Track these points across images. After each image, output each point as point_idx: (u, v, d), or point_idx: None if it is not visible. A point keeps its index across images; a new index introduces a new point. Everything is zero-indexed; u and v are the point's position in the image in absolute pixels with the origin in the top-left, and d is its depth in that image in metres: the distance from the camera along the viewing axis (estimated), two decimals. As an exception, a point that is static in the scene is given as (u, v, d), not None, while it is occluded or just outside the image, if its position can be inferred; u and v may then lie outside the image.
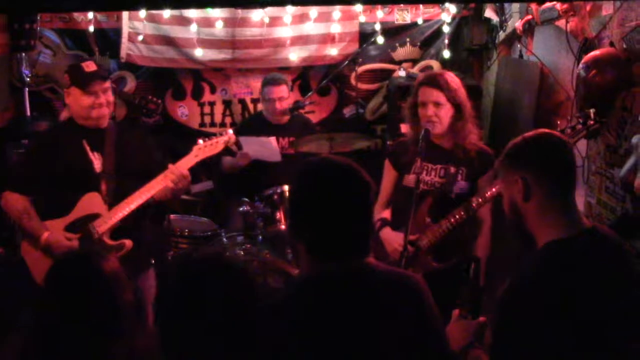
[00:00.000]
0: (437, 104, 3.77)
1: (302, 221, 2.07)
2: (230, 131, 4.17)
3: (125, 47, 6.08)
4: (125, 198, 3.79)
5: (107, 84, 3.85)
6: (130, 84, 6.35)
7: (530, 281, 2.15)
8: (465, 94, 3.86)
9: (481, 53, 6.35)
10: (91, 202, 3.79)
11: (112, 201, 3.81)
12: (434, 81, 3.82)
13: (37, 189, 3.81)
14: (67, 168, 3.77)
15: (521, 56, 5.35)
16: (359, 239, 2.08)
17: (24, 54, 5.68)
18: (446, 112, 3.79)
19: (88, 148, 3.82)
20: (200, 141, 4.00)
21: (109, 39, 6.17)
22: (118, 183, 3.83)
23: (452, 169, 3.80)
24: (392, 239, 3.81)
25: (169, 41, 6.14)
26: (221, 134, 4.08)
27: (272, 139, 5.34)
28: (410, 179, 3.81)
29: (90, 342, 2.05)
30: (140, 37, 6.05)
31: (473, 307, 2.48)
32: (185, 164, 3.91)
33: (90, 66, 3.82)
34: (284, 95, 5.46)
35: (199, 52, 6.13)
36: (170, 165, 3.88)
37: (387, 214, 4.02)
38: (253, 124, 5.75)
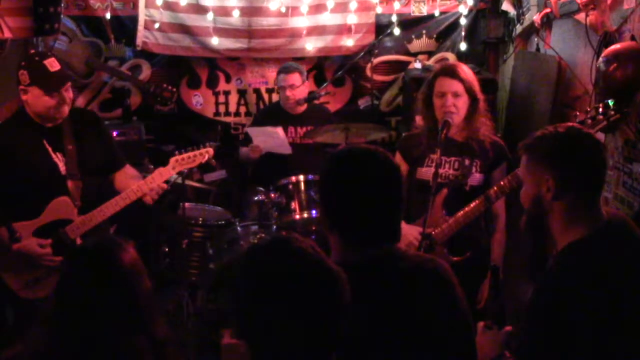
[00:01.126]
0: (455, 95, 3.75)
1: (337, 210, 2.07)
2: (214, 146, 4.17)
3: (141, 35, 6.07)
4: (94, 201, 3.77)
5: (69, 83, 3.72)
6: (146, 72, 6.34)
7: (559, 287, 2.13)
8: (479, 87, 3.85)
9: (497, 46, 6.31)
10: (61, 206, 3.73)
11: (81, 204, 3.77)
12: (452, 72, 3.80)
13: None
14: (31, 171, 3.67)
15: (538, 50, 5.32)
16: (392, 225, 2.09)
17: (40, 40, 5.68)
18: (464, 103, 3.77)
19: (50, 149, 3.73)
20: (177, 153, 4.00)
21: (125, 27, 6.17)
22: (84, 183, 3.78)
23: (467, 161, 3.79)
24: (407, 232, 3.77)
25: (185, 29, 6.13)
26: (199, 148, 4.05)
27: (279, 129, 5.36)
28: (426, 172, 3.80)
29: (111, 335, 2.02)
30: (157, 25, 6.04)
31: (497, 316, 2.46)
32: (162, 176, 3.90)
33: (54, 65, 3.60)
34: (296, 83, 5.47)
35: (214, 41, 6.12)
36: (148, 178, 3.85)
37: None
38: (270, 113, 5.79)
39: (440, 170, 3.78)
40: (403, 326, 1.98)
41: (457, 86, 3.76)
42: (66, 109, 3.69)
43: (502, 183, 3.57)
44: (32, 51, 3.67)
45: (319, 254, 1.74)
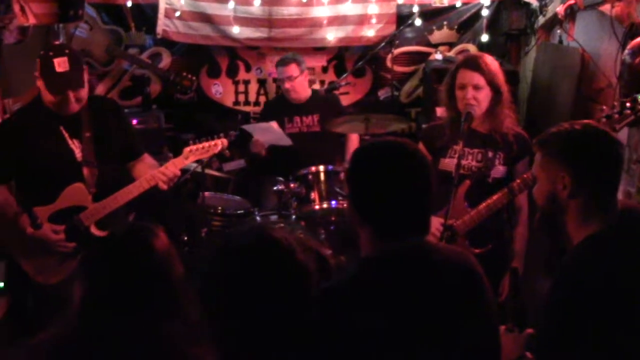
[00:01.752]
0: (476, 87, 3.72)
1: (368, 204, 2.07)
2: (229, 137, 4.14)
3: (162, 23, 6.07)
4: (110, 190, 3.75)
5: (79, 89, 3.62)
6: (166, 60, 6.35)
7: (575, 282, 2.11)
8: (504, 78, 3.81)
9: (519, 38, 6.26)
10: (76, 193, 3.72)
11: (96, 191, 3.76)
12: (474, 64, 3.76)
13: (12, 176, 3.71)
14: (47, 157, 3.66)
15: (561, 42, 5.27)
16: (423, 218, 2.09)
17: (61, 27, 5.69)
18: (485, 96, 3.73)
19: (67, 135, 3.71)
20: (191, 143, 3.98)
21: (145, 15, 6.17)
22: (100, 171, 3.77)
23: (490, 153, 3.76)
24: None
25: (205, 18, 6.12)
26: (213, 138, 4.04)
27: (273, 123, 5.38)
28: (448, 163, 3.77)
29: (146, 321, 2.01)
30: (177, 13, 6.04)
31: (518, 318, 2.44)
32: (175, 166, 3.87)
33: (62, 65, 3.52)
34: (293, 74, 5.45)
35: (235, 30, 6.12)
36: (162, 168, 3.84)
37: None
38: (275, 104, 5.82)
39: (463, 162, 3.75)
40: (435, 318, 1.97)
41: (478, 79, 3.72)
42: (74, 106, 3.64)
43: (525, 176, 3.54)
44: (56, 43, 3.63)
45: (292, 246, 1.84)
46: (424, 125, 5.74)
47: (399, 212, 2.03)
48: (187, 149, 3.96)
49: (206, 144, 3.98)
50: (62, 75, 3.52)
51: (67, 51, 3.57)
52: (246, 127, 5.48)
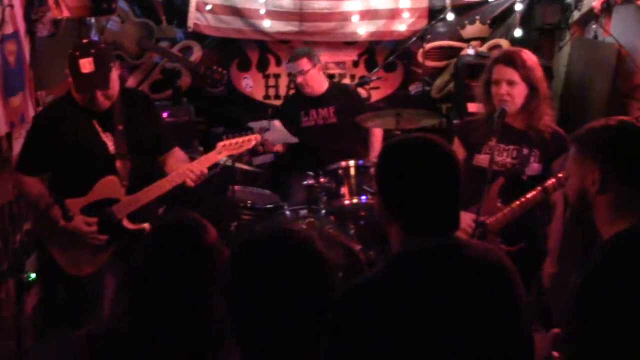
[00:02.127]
0: (510, 83, 3.67)
1: (398, 200, 2.05)
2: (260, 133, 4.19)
3: (193, 17, 6.08)
4: (143, 183, 3.77)
5: (105, 90, 3.63)
6: (196, 54, 6.36)
7: (603, 279, 2.08)
8: (542, 74, 3.75)
9: (553, 33, 6.17)
10: (109, 186, 3.73)
11: (129, 184, 3.77)
12: (509, 59, 3.71)
13: (46, 169, 3.74)
14: (81, 150, 3.68)
15: (596, 37, 5.20)
16: (453, 213, 2.08)
17: (93, 20, 5.73)
18: (520, 92, 3.68)
19: (100, 129, 3.73)
20: (225, 138, 3.99)
21: (176, 8, 6.17)
22: (132, 164, 3.78)
23: (525, 150, 3.71)
24: (461, 218, 3.73)
25: (236, 11, 6.12)
26: (247, 133, 4.05)
27: (276, 121, 5.40)
28: (483, 159, 3.73)
29: (199, 313, 2.01)
30: (208, 7, 6.04)
31: (543, 319, 2.41)
32: (208, 161, 3.90)
33: (87, 66, 3.52)
34: (304, 68, 5.42)
35: (266, 24, 6.11)
36: (194, 162, 3.85)
37: None
38: (292, 99, 5.81)
39: (498, 158, 3.71)
40: (466, 314, 1.94)
41: (512, 74, 3.67)
42: (103, 104, 3.66)
43: (560, 175, 3.49)
44: (85, 41, 3.65)
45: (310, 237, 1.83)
46: (455, 121, 5.72)
47: (427, 207, 2.02)
48: (220, 144, 3.96)
49: (239, 139, 3.99)
50: (87, 76, 3.54)
51: (93, 51, 3.57)
52: (251, 124, 5.47)
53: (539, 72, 3.71)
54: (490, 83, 3.76)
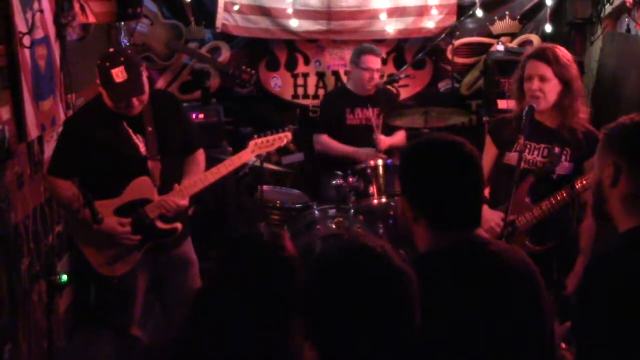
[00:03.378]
0: (542, 79, 3.62)
1: (423, 198, 2.09)
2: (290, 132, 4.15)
3: (221, 17, 6.11)
4: (173, 182, 3.80)
5: (141, 95, 3.65)
6: (225, 54, 6.38)
7: (607, 268, 2.05)
8: (576, 71, 3.68)
9: (584, 27, 6.08)
10: (141, 186, 3.76)
11: (161, 184, 3.80)
12: (542, 55, 3.66)
13: (79, 171, 3.73)
14: (113, 153, 3.70)
15: (629, 31, 5.11)
16: (476, 210, 2.13)
17: (122, 23, 5.77)
18: (552, 88, 3.63)
19: (131, 131, 3.75)
20: (256, 137, 4.02)
21: (205, 9, 6.21)
22: (163, 164, 3.81)
23: (557, 149, 3.66)
24: (490, 217, 3.71)
25: (264, 11, 6.13)
26: (277, 132, 4.06)
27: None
28: (513, 157, 3.69)
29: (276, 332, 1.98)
30: (236, 7, 6.06)
31: (558, 312, 2.40)
32: (241, 159, 3.94)
33: (120, 75, 3.52)
34: (380, 66, 5.45)
35: (294, 23, 6.11)
36: (227, 161, 3.89)
37: (485, 191, 3.92)
38: (338, 96, 5.74)
39: (528, 157, 3.69)
40: (494, 310, 1.98)
41: (545, 70, 3.62)
42: (138, 107, 3.70)
43: (582, 178, 3.46)
44: (111, 50, 3.67)
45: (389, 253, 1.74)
46: (485, 118, 5.67)
47: (452, 204, 2.06)
48: (252, 142, 3.99)
49: (271, 137, 4.02)
50: (122, 85, 3.55)
51: (122, 59, 3.57)
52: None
53: (573, 69, 3.65)
54: (523, 79, 3.71)
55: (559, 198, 3.53)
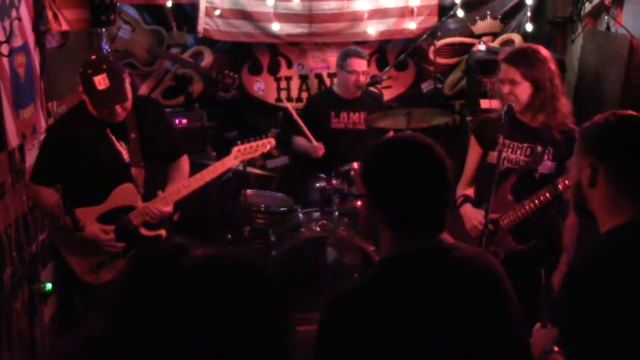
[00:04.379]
0: (512, 82, 3.63)
1: (389, 200, 2.04)
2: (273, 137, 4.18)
3: (202, 22, 6.10)
4: (157, 189, 3.81)
5: (124, 102, 3.66)
6: (207, 59, 6.37)
7: (589, 268, 2.05)
8: (551, 70, 3.67)
9: (565, 26, 6.12)
10: (125, 193, 3.76)
11: (144, 191, 3.80)
12: (511, 58, 3.67)
13: (62, 179, 3.69)
14: (96, 160, 3.70)
15: (608, 29, 5.14)
16: (442, 215, 2.07)
17: (104, 30, 5.75)
18: (522, 91, 3.63)
19: (114, 138, 3.75)
20: (240, 143, 4.04)
21: (186, 14, 6.19)
22: (147, 171, 3.81)
23: (539, 149, 3.67)
24: (472, 215, 3.74)
25: (245, 15, 6.12)
26: (261, 138, 4.08)
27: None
28: (495, 156, 3.70)
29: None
30: (218, 12, 6.06)
31: (551, 314, 2.39)
32: (224, 166, 3.94)
33: (102, 82, 3.52)
34: (366, 69, 5.45)
35: (275, 27, 6.11)
36: (210, 168, 3.89)
37: (470, 191, 3.94)
38: (323, 98, 5.71)
39: (512, 156, 3.71)
40: (458, 316, 1.96)
41: (514, 73, 3.62)
42: (122, 114, 3.69)
43: (564, 176, 3.47)
44: (93, 57, 3.67)
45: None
46: (468, 118, 5.69)
47: (417, 209, 2.02)
48: (235, 149, 4.00)
49: (254, 144, 4.04)
50: (105, 93, 3.54)
51: (104, 66, 3.56)
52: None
53: (545, 69, 3.64)
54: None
55: (542, 198, 3.55)
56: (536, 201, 3.56)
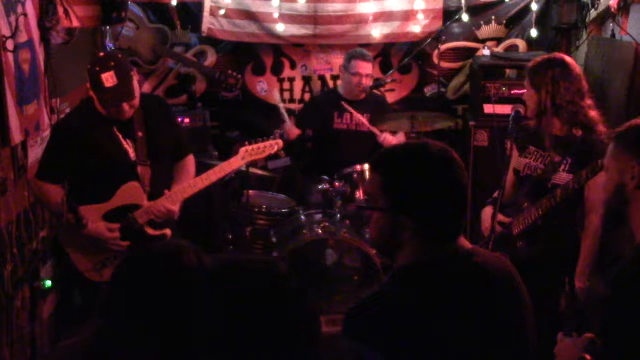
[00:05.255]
0: (526, 88, 3.70)
1: (415, 207, 2.01)
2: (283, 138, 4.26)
3: (207, 21, 6.08)
4: (163, 188, 3.81)
5: (132, 100, 3.66)
6: (211, 58, 6.35)
7: (632, 276, 2.05)
8: (554, 77, 3.65)
9: (570, 32, 6.10)
10: (131, 191, 3.76)
11: (150, 189, 3.80)
12: (529, 66, 3.72)
13: (68, 176, 3.75)
14: (103, 157, 3.70)
15: (613, 36, 5.13)
16: (461, 220, 2.07)
17: (108, 27, 5.74)
18: (529, 97, 3.68)
19: (120, 136, 3.74)
20: (247, 144, 4.05)
21: (190, 13, 6.18)
22: (153, 170, 3.81)
23: (557, 158, 3.65)
24: (489, 217, 3.74)
25: (250, 15, 6.11)
26: (268, 139, 4.10)
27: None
28: (520, 162, 3.78)
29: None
30: (222, 11, 6.04)
31: (576, 323, 2.38)
32: (231, 166, 3.97)
33: (109, 80, 3.52)
34: (370, 72, 5.44)
35: (280, 27, 6.09)
36: (217, 168, 3.91)
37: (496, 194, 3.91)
38: (327, 99, 5.71)
39: (532, 163, 3.74)
40: (481, 321, 1.96)
41: (526, 80, 3.71)
42: (129, 112, 3.69)
43: (567, 183, 3.47)
44: (102, 54, 3.66)
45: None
46: (471, 123, 5.66)
47: (442, 215, 2.01)
48: (243, 149, 4.00)
49: (262, 145, 4.04)
50: (112, 90, 3.54)
51: (112, 63, 3.56)
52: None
53: (548, 76, 3.62)
54: None
55: (543, 207, 3.55)
56: (540, 211, 3.56)
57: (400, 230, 2.01)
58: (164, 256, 1.87)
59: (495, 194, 3.86)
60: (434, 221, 2.00)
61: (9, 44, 3.76)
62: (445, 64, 6.35)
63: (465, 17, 6.06)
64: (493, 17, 6.27)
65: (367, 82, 5.42)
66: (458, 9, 6.08)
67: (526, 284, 2.14)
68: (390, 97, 6.38)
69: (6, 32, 3.74)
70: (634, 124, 2.25)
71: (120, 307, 1.81)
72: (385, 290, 2.03)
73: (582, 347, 2.27)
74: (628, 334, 2.04)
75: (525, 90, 3.76)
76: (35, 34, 4.21)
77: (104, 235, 3.71)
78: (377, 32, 6.16)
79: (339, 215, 4.81)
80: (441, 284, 1.97)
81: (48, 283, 4.15)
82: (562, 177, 3.63)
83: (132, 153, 3.76)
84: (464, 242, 2.07)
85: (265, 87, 6.48)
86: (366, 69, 5.39)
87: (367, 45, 6.23)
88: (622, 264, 2.17)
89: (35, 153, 4.03)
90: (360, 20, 6.13)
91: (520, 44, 6.25)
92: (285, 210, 5.11)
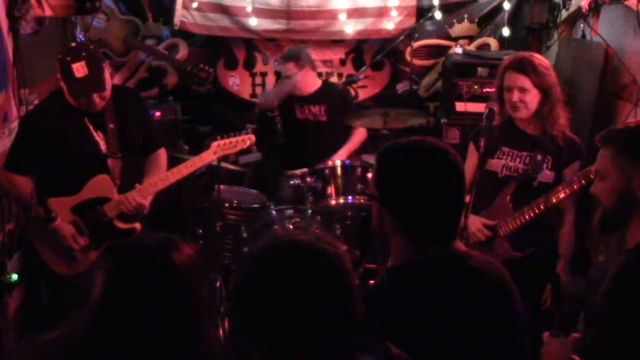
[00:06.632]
0: (522, 90, 3.64)
1: (405, 207, 1.98)
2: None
3: (179, 14, 6.05)
4: (133, 181, 3.77)
5: (101, 91, 3.61)
6: (183, 52, 6.32)
7: (628, 281, 2.06)
8: (555, 78, 3.70)
9: (541, 32, 6.15)
10: (101, 184, 3.72)
11: (121, 182, 3.76)
12: (519, 65, 3.68)
13: (37, 167, 3.69)
14: (73, 149, 3.66)
15: (584, 36, 5.17)
16: (455, 222, 2.04)
17: (78, 18, 5.67)
18: (532, 98, 3.65)
19: (92, 127, 3.71)
20: (219, 138, 4.04)
21: (162, 5, 6.14)
22: (124, 163, 3.78)
23: (539, 157, 3.68)
24: (471, 222, 3.70)
25: (223, 9, 6.08)
26: (240, 133, 4.09)
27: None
28: (495, 164, 3.75)
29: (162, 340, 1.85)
30: (195, 4, 6.01)
31: (563, 324, 2.38)
32: (203, 160, 3.96)
33: (80, 70, 3.49)
34: (290, 73, 5.42)
35: (253, 22, 6.07)
36: (188, 162, 3.88)
37: (467, 197, 3.92)
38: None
39: (510, 164, 3.73)
40: (475, 325, 1.94)
41: (524, 81, 3.64)
42: (99, 105, 3.66)
43: (558, 188, 3.53)
44: (73, 44, 3.61)
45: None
46: (443, 120, 5.69)
47: (436, 216, 1.97)
48: (215, 144, 3.99)
49: (234, 139, 4.03)
50: (82, 80, 3.51)
51: (84, 54, 3.53)
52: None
53: (551, 77, 3.68)
54: (503, 89, 3.73)
55: (536, 210, 3.59)
56: (532, 213, 3.60)
57: (383, 221, 2.01)
58: (156, 252, 1.95)
59: (466, 198, 3.88)
60: (416, 218, 1.97)
61: (-23, 34, 3.70)
62: (417, 62, 6.36)
63: (438, 15, 6.09)
64: (466, 16, 6.31)
65: (292, 81, 5.45)
66: (431, 7, 6.11)
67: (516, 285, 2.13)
68: (363, 94, 6.40)
69: (-27, 21, 3.68)
70: (630, 128, 2.24)
71: (120, 306, 1.85)
72: (377, 289, 2.02)
73: (571, 348, 2.28)
74: (627, 333, 2.05)
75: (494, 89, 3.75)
76: (4, 24, 4.14)
77: (62, 232, 3.66)
78: (350, 28, 6.17)
79: (310, 211, 4.80)
80: (433, 286, 1.94)
81: (14, 277, 4.08)
82: (547, 175, 3.68)
83: (103, 145, 3.72)
84: (459, 245, 2.05)
85: (237, 82, 6.46)
86: (284, 70, 5.47)
87: (340, 41, 6.24)
88: (622, 264, 2.18)
89: (3, 144, 3.96)
90: (334, 16, 6.14)
91: (493, 42, 6.29)
92: (257, 205, 5.08)
